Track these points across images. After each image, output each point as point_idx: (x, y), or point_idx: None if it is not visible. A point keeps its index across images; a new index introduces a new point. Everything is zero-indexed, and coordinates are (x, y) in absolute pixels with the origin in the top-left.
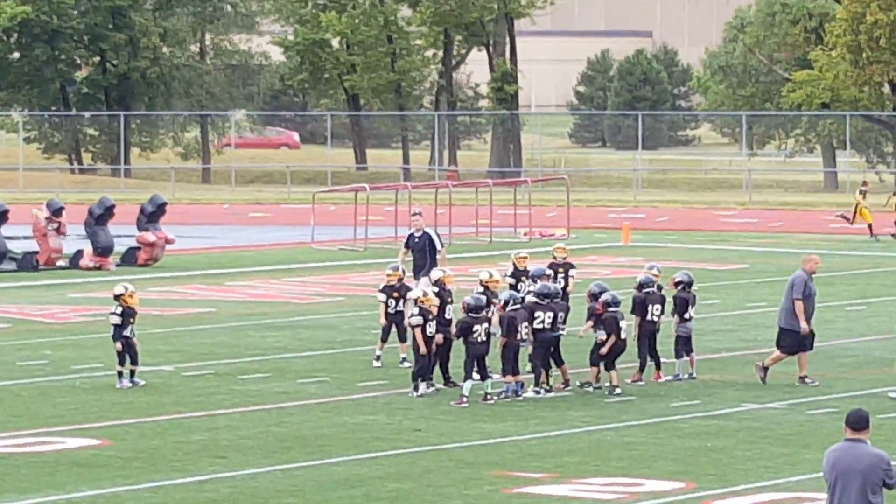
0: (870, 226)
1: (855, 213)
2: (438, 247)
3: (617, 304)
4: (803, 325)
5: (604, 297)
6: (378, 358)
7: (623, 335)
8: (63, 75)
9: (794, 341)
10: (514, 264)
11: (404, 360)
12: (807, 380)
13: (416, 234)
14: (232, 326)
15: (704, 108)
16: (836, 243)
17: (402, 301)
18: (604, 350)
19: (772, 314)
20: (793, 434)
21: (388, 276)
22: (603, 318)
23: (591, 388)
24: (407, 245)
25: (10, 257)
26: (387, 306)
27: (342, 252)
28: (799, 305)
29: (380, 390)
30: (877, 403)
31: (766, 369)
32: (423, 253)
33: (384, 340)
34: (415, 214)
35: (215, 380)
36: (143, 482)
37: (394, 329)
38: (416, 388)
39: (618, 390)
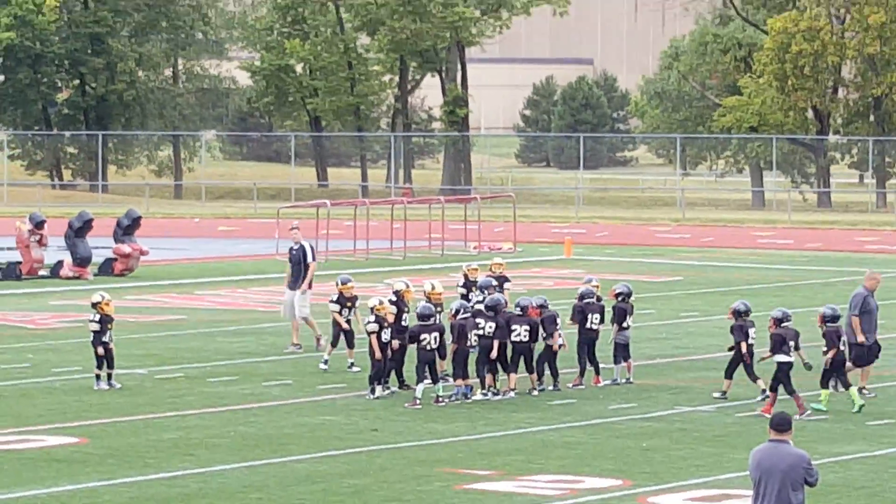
0: None
1: None
2: (309, 260)
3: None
4: (860, 337)
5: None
6: (326, 362)
7: (516, 338)
8: (45, 97)
9: (861, 353)
10: (466, 275)
11: (352, 364)
12: (864, 391)
13: (294, 247)
14: (201, 332)
15: (641, 131)
16: (763, 257)
17: (352, 311)
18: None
19: (703, 323)
20: (721, 435)
21: (341, 287)
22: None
23: (535, 392)
24: (289, 257)
25: None
26: (340, 315)
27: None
28: (855, 321)
29: (339, 393)
30: None
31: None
32: (299, 265)
33: (334, 345)
34: (293, 228)
35: (186, 382)
36: (119, 478)
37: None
38: (372, 391)
39: (511, 394)
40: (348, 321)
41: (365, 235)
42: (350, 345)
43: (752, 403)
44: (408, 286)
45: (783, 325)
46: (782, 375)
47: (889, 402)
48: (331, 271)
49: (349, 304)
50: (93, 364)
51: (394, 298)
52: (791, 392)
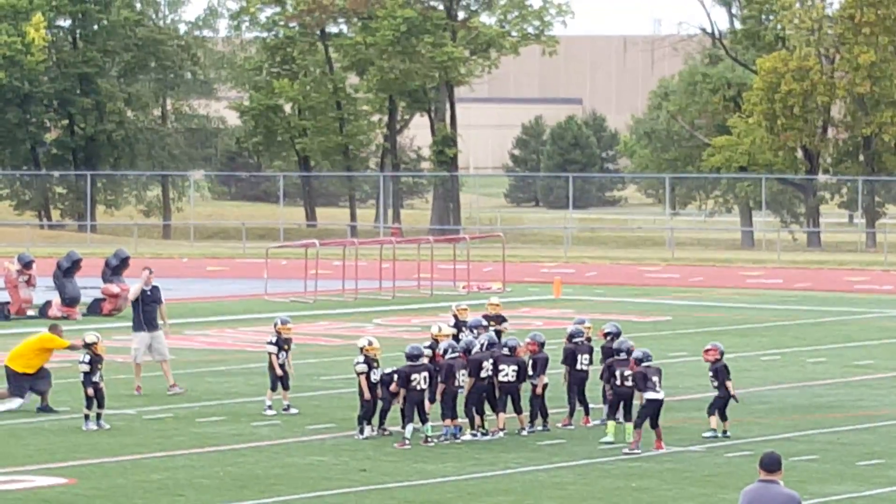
0: None
1: None
2: (162, 301)
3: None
4: None
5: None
6: (270, 407)
7: (503, 378)
8: (34, 137)
9: None
10: (456, 315)
11: (289, 406)
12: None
13: (147, 289)
14: (190, 372)
15: (630, 171)
16: (753, 297)
17: (287, 352)
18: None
19: (692, 363)
20: (711, 475)
21: (280, 328)
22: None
23: (525, 433)
24: (137, 299)
25: None
26: (277, 357)
27: (293, 303)
28: None
29: (327, 433)
30: (789, 447)
31: None
32: (156, 306)
33: (274, 389)
34: (146, 269)
35: (174, 422)
36: None
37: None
38: (360, 431)
39: (500, 434)
40: (283, 364)
41: (354, 275)
42: (286, 387)
43: (743, 444)
44: (371, 342)
45: (643, 364)
46: (647, 411)
47: (878, 443)
48: (320, 311)
49: (286, 345)
50: (82, 404)
51: (362, 358)
52: (637, 426)
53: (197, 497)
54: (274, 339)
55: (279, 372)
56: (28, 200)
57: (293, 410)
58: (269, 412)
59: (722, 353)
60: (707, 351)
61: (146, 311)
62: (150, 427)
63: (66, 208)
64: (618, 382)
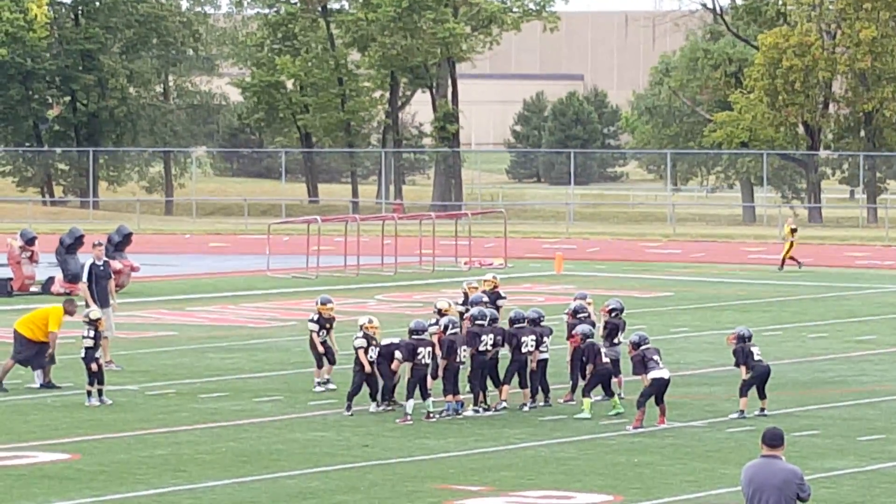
0: (783, 259)
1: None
2: (111, 276)
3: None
4: None
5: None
6: (319, 384)
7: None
8: (36, 114)
9: None
10: (466, 293)
11: (328, 381)
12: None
13: (99, 263)
14: (192, 349)
15: (632, 147)
16: (754, 273)
17: (329, 331)
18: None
19: (694, 339)
20: (713, 451)
21: (320, 308)
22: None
23: (526, 408)
24: (90, 273)
25: None
26: (318, 335)
27: (295, 279)
28: None
29: (329, 409)
30: (791, 422)
31: None
32: (107, 280)
33: (320, 367)
34: (97, 244)
35: (177, 398)
36: (110, 494)
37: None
38: (348, 408)
39: (503, 404)
40: (323, 342)
41: (355, 251)
42: (332, 362)
43: (745, 419)
44: (371, 320)
45: (641, 347)
46: (652, 390)
47: (879, 418)
48: (322, 287)
49: (327, 325)
50: (84, 380)
51: (360, 333)
52: (640, 405)
53: (199, 472)
54: (315, 318)
55: (320, 349)
56: (31, 177)
57: (331, 385)
58: (318, 389)
59: (740, 338)
60: (728, 338)
61: (97, 287)
62: (153, 403)
63: (69, 185)
64: (604, 360)
